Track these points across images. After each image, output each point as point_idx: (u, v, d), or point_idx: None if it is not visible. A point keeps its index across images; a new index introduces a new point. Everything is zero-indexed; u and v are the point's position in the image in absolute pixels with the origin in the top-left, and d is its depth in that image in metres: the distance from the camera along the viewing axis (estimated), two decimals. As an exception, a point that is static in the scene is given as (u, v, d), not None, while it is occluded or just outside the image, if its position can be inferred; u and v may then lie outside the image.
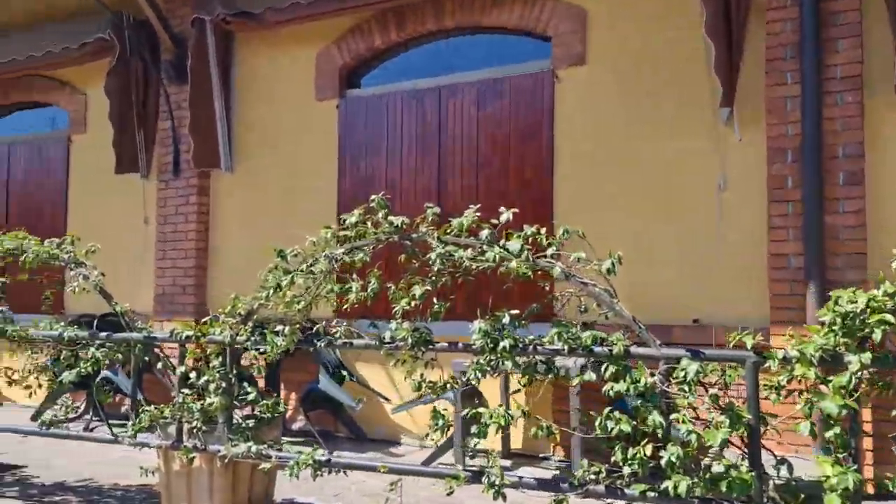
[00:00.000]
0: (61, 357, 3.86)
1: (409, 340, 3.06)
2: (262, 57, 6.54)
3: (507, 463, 4.98)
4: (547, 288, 3.57)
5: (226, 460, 3.41)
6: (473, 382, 2.98)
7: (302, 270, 3.14)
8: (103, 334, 3.89)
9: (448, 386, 3.12)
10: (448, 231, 3.09)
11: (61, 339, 3.90)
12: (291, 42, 6.35)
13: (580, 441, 4.22)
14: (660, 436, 2.51)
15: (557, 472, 4.85)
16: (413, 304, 3.05)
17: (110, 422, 4.03)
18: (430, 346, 3.09)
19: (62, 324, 4.03)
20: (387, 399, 5.62)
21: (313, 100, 6.27)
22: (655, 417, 2.50)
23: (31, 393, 4.17)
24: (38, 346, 4.30)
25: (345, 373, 5.62)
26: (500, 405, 2.89)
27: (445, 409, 3.18)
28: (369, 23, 6.00)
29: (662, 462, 2.53)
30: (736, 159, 4.74)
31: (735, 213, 4.73)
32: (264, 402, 3.56)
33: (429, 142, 5.77)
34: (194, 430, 3.61)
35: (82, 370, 3.81)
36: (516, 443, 5.30)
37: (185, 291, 6.60)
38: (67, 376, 3.80)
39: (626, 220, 4.98)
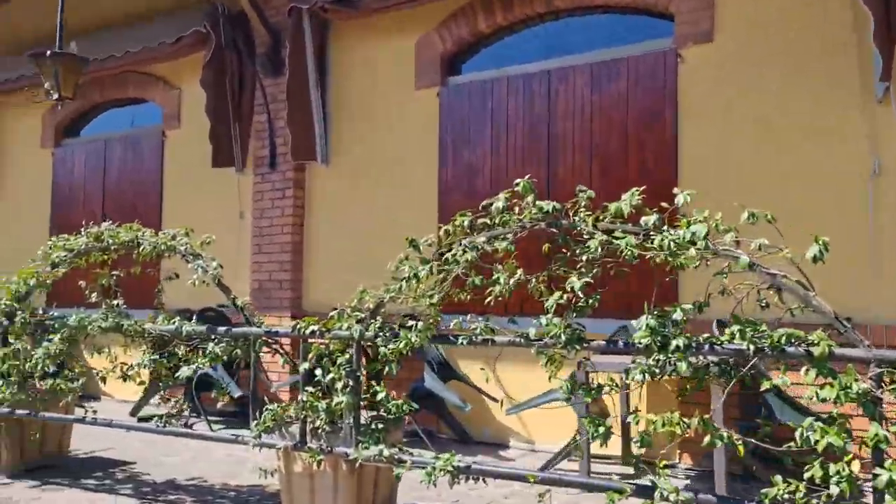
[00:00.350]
0: (180, 352, 3.72)
1: (562, 337, 2.78)
2: (359, 46, 6.37)
3: (629, 470, 4.66)
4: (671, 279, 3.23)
5: (356, 464, 3.20)
6: (634, 386, 2.68)
7: (448, 260, 2.88)
8: (222, 329, 3.75)
9: (604, 387, 2.82)
10: (601, 217, 2.81)
11: (179, 333, 3.77)
12: (390, 29, 6.15)
13: (724, 450, 3.86)
14: (884, 449, 2.16)
15: (688, 481, 4.50)
16: (567, 297, 2.77)
17: (209, 418, 3.93)
18: (585, 345, 2.81)
19: (177, 318, 3.90)
20: (494, 399, 5.36)
21: (412, 88, 6.06)
22: (878, 430, 2.15)
23: (145, 388, 4.08)
24: (144, 342, 4.23)
25: (450, 371, 5.39)
26: (674, 410, 2.56)
27: (599, 413, 2.88)
28: (473, 7, 5.74)
29: (876, 482, 2.18)
30: (893, 141, 4.29)
31: (891, 200, 4.28)
32: (394, 402, 3.33)
33: (536, 129, 5.48)
34: (318, 431, 3.42)
35: (200, 366, 3.67)
36: (611, 447, 4.96)
37: (281, 286, 6.49)
38: (185, 372, 3.66)
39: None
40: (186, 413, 6.20)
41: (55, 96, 4.97)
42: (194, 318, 5.82)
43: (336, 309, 5.36)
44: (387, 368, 3.27)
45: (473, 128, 5.76)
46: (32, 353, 4.24)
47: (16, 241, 8.71)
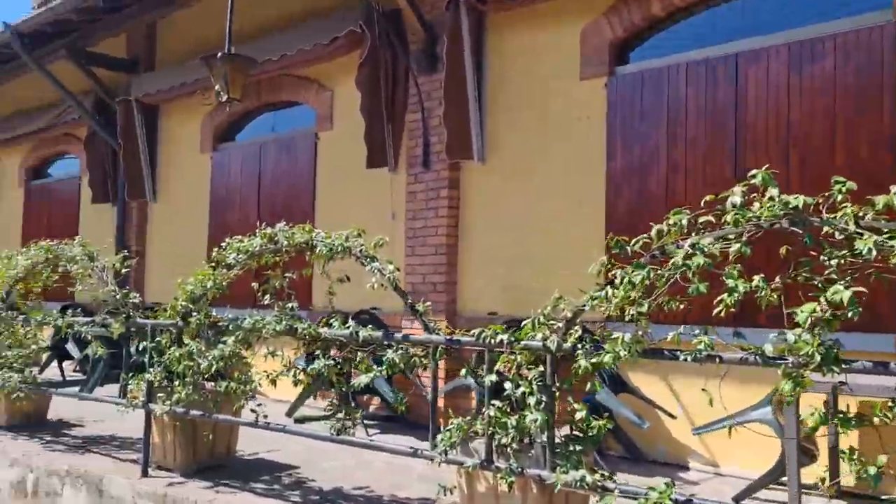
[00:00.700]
0: (357, 358, 3.55)
1: (817, 357, 2.33)
2: (517, 37, 6.07)
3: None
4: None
5: (555, 489, 2.88)
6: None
7: (677, 264, 2.51)
8: (398, 336, 3.55)
9: (865, 417, 2.35)
10: (861, 213, 2.34)
11: (355, 339, 3.60)
12: (552, 18, 5.81)
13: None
14: None
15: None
16: (822, 310, 2.32)
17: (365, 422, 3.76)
18: (845, 366, 2.35)
19: (351, 322, 3.74)
20: (671, 415, 4.90)
21: (576, 79, 5.68)
22: None
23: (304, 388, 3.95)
24: (304, 345, 4.14)
25: (621, 384, 4.97)
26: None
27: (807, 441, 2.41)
28: (647, -12, 5.30)
29: None
30: None
31: None
32: (596, 422, 2.99)
33: (720, 119, 4.96)
34: (506, 449, 3.14)
35: (377, 374, 3.48)
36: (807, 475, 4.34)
37: (435, 289, 6.30)
38: (363, 380, 3.48)
39: None
40: (343, 416, 6.19)
41: (224, 98, 5.01)
42: (350, 321, 5.75)
43: (493, 313, 5.09)
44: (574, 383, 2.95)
45: (645, 119, 5.31)
46: (206, 354, 4.24)
47: (176, 242, 9.11)
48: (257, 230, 4.11)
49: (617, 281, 2.67)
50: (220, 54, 4.96)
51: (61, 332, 5.63)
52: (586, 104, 5.61)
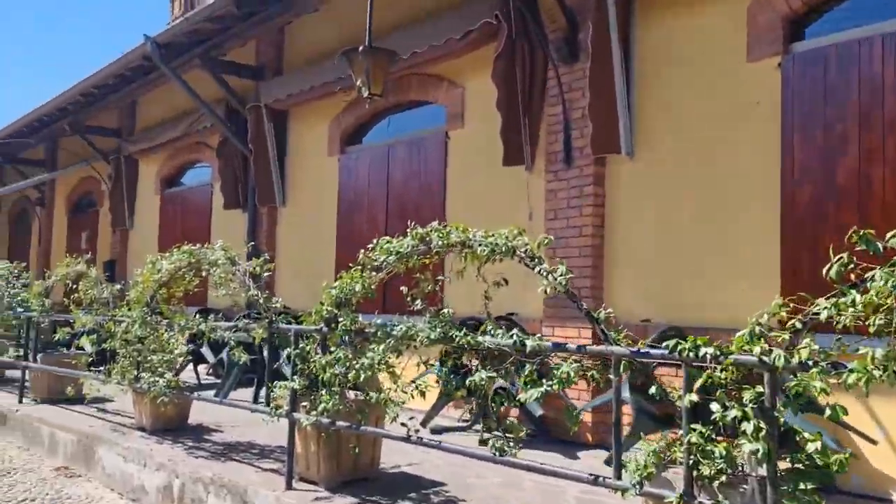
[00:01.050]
0: (526, 370, 3.18)
1: None
2: (672, 20, 5.55)
3: None
4: None
5: (784, 537, 2.39)
6: None
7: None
8: (572, 346, 3.15)
9: None
10: None
11: (521, 349, 3.23)
12: (711, -5, 5.27)
13: None
14: None
15: None
16: None
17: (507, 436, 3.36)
18: None
19: (515, 331, 3.38)
20: (873, 441, 4.24)
21: (742, 61, 5.10)
22: None
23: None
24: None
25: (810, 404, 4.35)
26: None
27: None
28: (831, -48, 4.67)
29: None
30: None
31: None
32: (835, 454, 2.48)
33: (927, 97, 4.26)
34: (708, 482, 2.68)
35: (549, 388, 3.09)
36: None
37: (580, 294, 5.83)
38: (533, 394, 3.10)
39: None
40: (483, 428, 5.85)
41: (366, 93, 4.79)
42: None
43: (646, 321, 4.51)
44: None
45: (832, 99, 4.66)
46: (354, 361, 4.00)
47: (304, 247, 9.11)
48: (388, 233, 3.82)
49: (878, 281, 2.15)
50: (361, 48, 4.76)
51: (196, 337, 5.65)
52: (756, 88, 5.02)
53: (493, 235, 3.42)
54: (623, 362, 2.99)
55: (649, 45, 5.68)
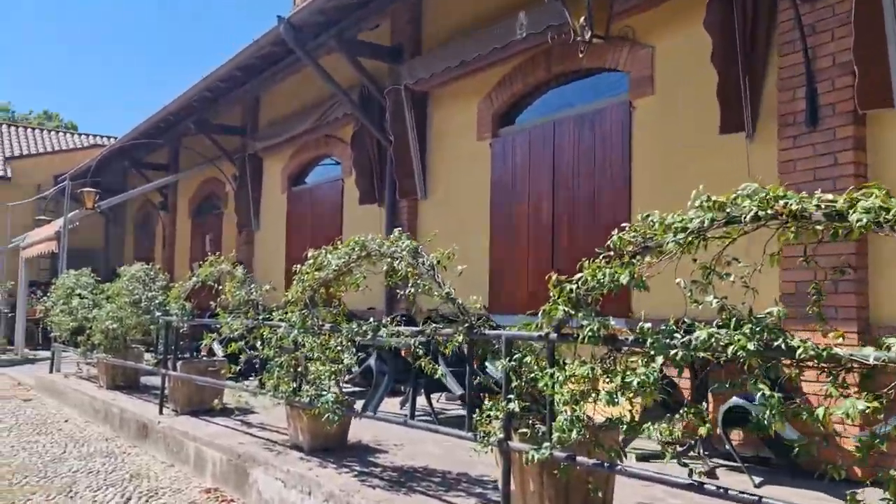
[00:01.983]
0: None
1: None
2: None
3: None
4: None
5: None
6: None
7: None
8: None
9: None
10: None
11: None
12: None
13: None
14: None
15: None
16: None
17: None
18: None
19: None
20: None
21: None
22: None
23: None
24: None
25: None
26: None
27: None
28: None
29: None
30: None
31: None
32: None
33: None
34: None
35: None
36: None
37: (836, 289, 4.61)
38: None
39: None
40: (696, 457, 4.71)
41: (588, 35, 3.79)
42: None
43: None
44: None
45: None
46: (610, 378, 2.98)
47: (450, 243, 8.18)
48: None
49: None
50: (579, -21, 3.77)
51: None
52: None
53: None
54: None
55: (931, -33, 4.39)
